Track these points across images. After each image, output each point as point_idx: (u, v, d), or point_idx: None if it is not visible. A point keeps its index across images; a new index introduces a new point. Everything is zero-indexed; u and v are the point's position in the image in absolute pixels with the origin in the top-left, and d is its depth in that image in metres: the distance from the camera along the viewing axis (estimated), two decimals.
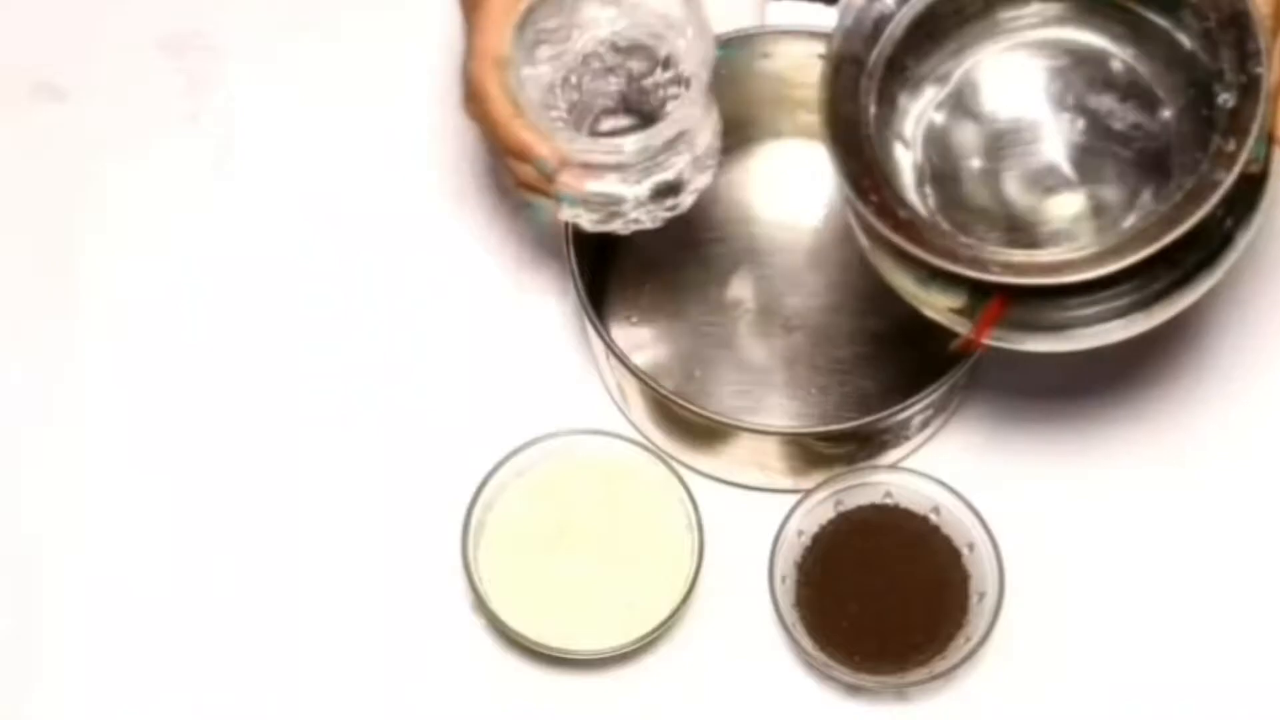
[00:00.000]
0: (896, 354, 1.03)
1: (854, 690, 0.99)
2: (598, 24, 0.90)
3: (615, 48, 0.91)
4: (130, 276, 1.09)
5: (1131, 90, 0.89)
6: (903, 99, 0.90)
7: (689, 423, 0.99)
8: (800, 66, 1.02)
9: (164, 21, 1.14)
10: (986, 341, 0.87)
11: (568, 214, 0.89)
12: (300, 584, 1.01)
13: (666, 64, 0.90)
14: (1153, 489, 1.03)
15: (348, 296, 1.08)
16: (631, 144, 0.86)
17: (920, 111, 0.90)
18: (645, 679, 0.99)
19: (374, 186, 1.11)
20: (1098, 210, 0.89)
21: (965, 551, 0.99)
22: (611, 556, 0.99)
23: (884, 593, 0.99)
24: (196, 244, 1.09)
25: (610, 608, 0.98)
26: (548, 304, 1.07)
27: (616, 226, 0.91)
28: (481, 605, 0.98)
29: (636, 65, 0.91)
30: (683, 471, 1.00)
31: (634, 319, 1.05)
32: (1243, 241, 0.84)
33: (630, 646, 0.97)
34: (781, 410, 1.03)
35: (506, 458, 1.00)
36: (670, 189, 0.90)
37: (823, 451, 1.00)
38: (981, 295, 0.86)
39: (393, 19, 1.15)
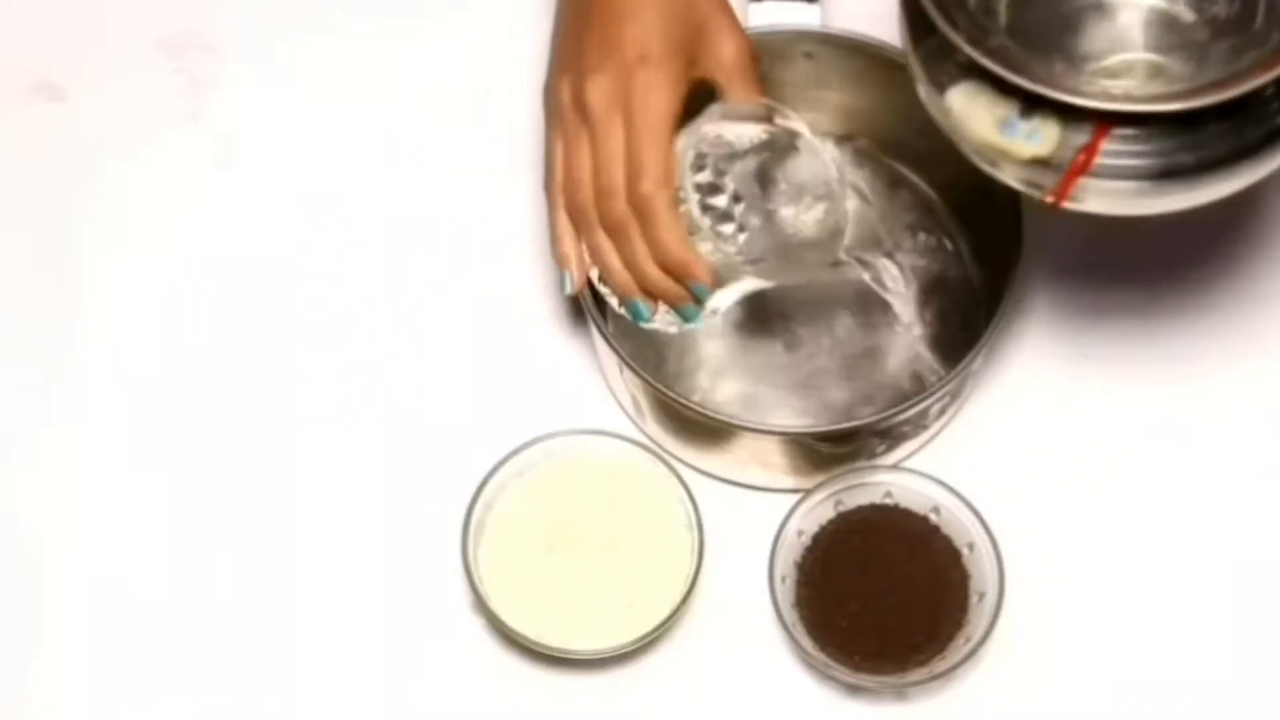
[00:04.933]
0: (902, 350, 1.04)
1: (854, 690, 0.99)
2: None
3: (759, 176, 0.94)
4: (130, 276, 1.09)
5: None
6: None
7: (691, 421, 0.99)
8: (785, 66, 1.02)
9: (164, 21, 1.15)
10: (1070, 196, 0.84)
11: (665, 323, 0.95)
12: (300, 584, 1.01)
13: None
14: (1152, 489, 1.03)
15: (348, 297, 1.08)
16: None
17: None
18: (645, 679, 0.99)
19: (374, 186, 1.11)
20: (1152, 71, 0.87)
21: (965, 551, 0.99)
22: (611, 556, 0.99)
23: (884, 593, 0.98)
24: (196, 244, 1.09)
25: (610, 608, 0.98)
26: (548, 303, 1.07)
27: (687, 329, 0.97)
28: (481, 605, 0.98)
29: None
30: (683, 471, 1.00)
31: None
32: None
33: (630, 646, 0.97)
34: (784, 410, 1.03)
35: (506, 458, 1.00)
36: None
37: (824, 451, 1.00)
38: (1074, 134, 0.82)
39: (393, 19, 1.15)
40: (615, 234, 0.92)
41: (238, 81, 1.13)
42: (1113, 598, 1.00)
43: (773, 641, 0.99)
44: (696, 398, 1.02)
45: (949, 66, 0.84)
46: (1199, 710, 0.98)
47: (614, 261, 0.93)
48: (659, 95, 0.91)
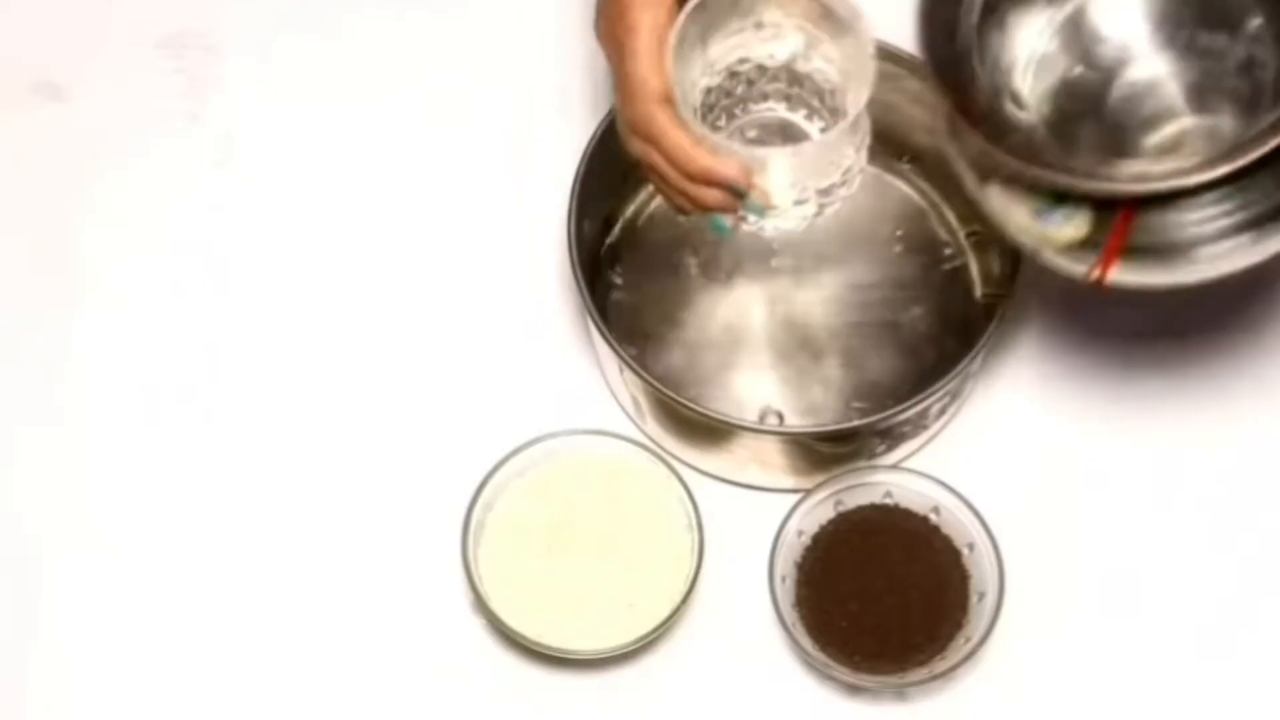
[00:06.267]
0: (902, 351, 1.03)
1: (854, 690, 0.99)
2: (779, 46, 0.90)
3: (779, 75, 0.91)
4: (130, 276, 1.09)
5: (1241, 21, 0.85)
6: (1011, 20, 0.87)
7: (691, 421, 0.99)
8: None
9: (164, 21, 1.14)
10: (1112, 274, 0.84)
11: (752, 224, 0.90)
12: (301, 584, 1.01)
13: (823, 99, 0.91)
14: (1152, 488, 1.03)
15: (347, 297, 1.08)
16: (811, 148, 0.89)
17: (1028, 36, 0.87)
18: (645, 679, 0.99)
19: (373, 186, 1.11)
20: (1206, 135, 0.86)
21: (965, 551, 0.99)
22: (611, 556, 0.99)
23: (884, 593, 0.99)
24: (196, 244, 1.09)
25: (610, 608, 0.98)
26: (548, 303, 1.07)
27: (781, 227, 0.92)
28: (481, 605, 0.98)
29: (796, 92, 0.92)
30: (683, 471, 1.00)
31: (635, 316, 1.05)
32: None
33: (630, 646, 0.97)
34: (784, 409, 1.03)
35: (506, 458, 1.00)
36: (824, 192, 0.91)
37: (824, 451, 1.00)
38: (1106, 217, 0.82)
39: (392, 18, 1.15)
40: (644, 167, 0.89)
41: (237, 81, 1.13)
42: (1112, 597, 1.00)
43: (773, 641, 0.99)
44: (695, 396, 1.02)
45: (988, 161, 0.85)
46: (1199, 709, 0.98)
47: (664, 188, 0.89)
48: (636, 12, 0.87)
